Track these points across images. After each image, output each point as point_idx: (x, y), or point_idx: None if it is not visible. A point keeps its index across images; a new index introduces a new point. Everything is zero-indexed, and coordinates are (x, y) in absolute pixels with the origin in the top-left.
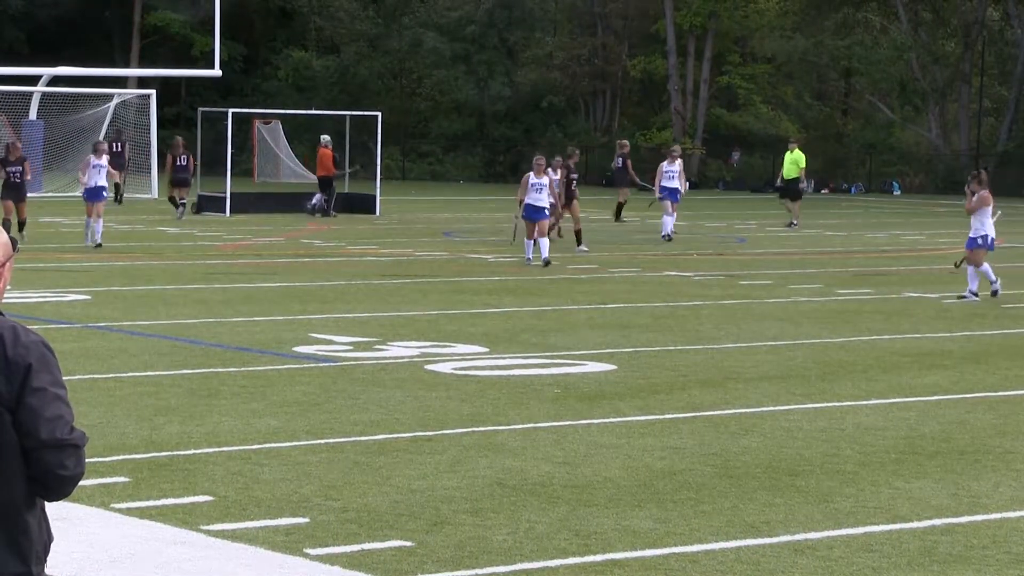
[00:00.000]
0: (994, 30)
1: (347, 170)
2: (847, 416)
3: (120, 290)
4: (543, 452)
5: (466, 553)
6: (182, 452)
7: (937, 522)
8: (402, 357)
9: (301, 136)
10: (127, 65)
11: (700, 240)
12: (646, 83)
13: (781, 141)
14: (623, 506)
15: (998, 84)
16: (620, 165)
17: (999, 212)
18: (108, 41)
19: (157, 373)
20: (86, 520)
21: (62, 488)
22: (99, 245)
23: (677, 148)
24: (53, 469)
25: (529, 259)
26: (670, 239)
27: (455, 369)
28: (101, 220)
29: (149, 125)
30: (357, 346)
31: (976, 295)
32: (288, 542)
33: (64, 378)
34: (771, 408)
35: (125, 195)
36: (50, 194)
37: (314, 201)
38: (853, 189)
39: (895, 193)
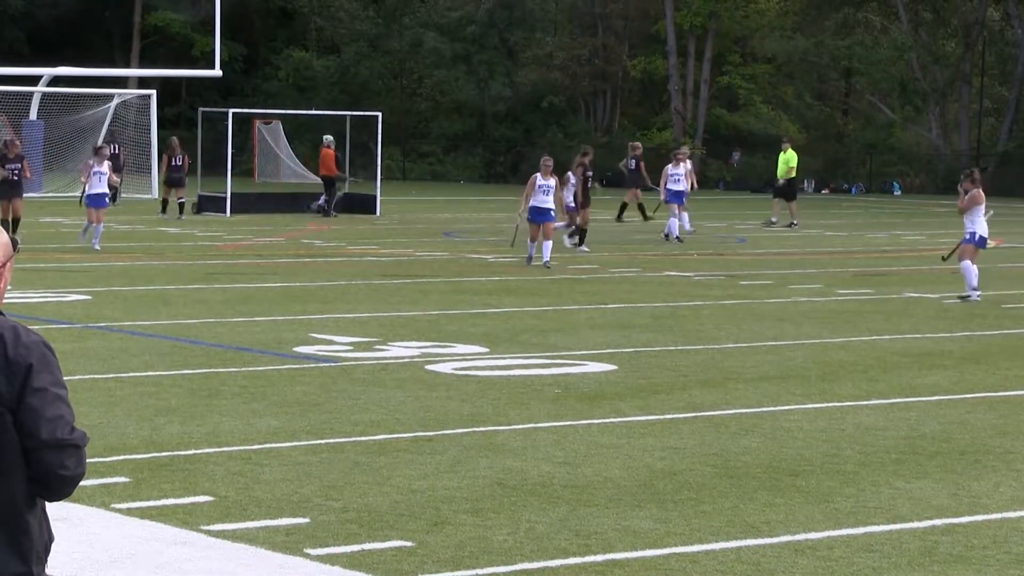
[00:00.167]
0: (994, 30)
1: (347, 177)
2: (847, 416)
3: (120, 290)
4: (543, 452)
5: (466, 553)
6: (182, 452)
7: (937, 522)
8: (402, 357)
9: (302, 136)
10: (127, 65)
11: (700, 240)
12: (646, 83)
13: (781, 141)
14: (623, 506)
15: (998, 84)
16: (633, 167)
17: (991, 211)
18: (108, 41)
19: (157, 373)
20: (86, 520)
21: (63, 488)
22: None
23: (685, 150)
24: (54, 469)
25: (531, 257)
26: (680, 240)
27: (455, 369)
28: (101, 225)
29: (149, 125)
30: (357, 346)
31: (977, 294)
32: (288, 542)
33: (64, 378)
34: (771, 408)
35: (124, 195)
36: (50, 194)
37: (320, 202)
38: (853, 189)
39: (895, 193)
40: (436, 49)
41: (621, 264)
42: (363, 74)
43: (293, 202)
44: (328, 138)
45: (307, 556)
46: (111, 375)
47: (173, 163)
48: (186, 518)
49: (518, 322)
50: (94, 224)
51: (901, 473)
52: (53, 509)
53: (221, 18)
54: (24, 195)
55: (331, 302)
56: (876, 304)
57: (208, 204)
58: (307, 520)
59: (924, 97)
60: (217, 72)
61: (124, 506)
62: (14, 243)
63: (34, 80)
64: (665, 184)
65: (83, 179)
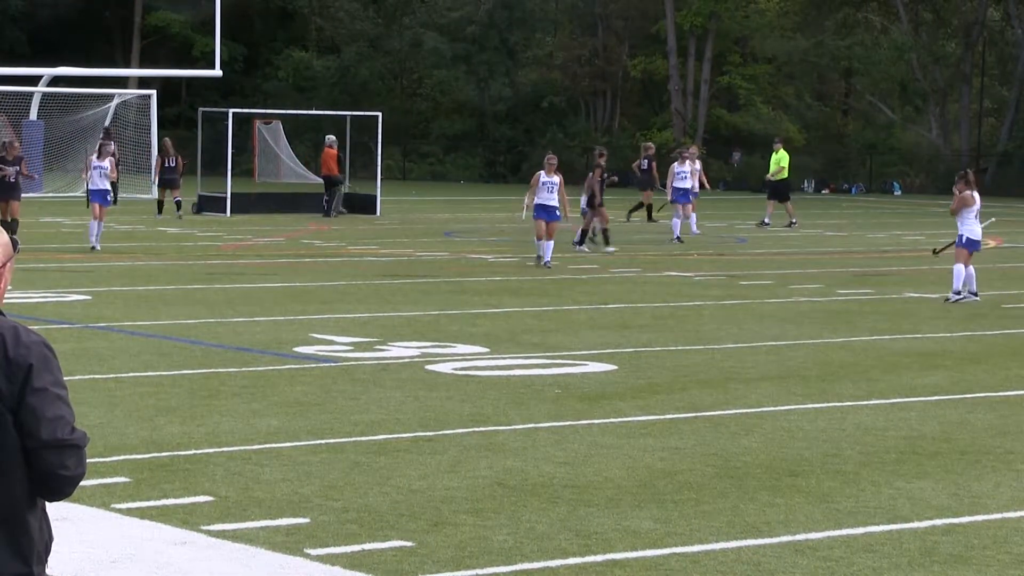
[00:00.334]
0: (995, 30)
1: (342, 180)
2: (847, 416)
3: (121, 290)
4: (544, 452)
5: (466, 553)
6: (183, 452)
7: (938, 522)
8: (403, 357)
9: (302, 136)
10: (127, 65)
11: (700, 240)
12: (647, 83)
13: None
14: (623, 506)
15: (999, 84)
16: (646, 167)
17: (992, 218)
18: (108, 41)
19: (158, 373)
20: (86, 520)
21: (63, 488)
22: (94, 248)
23: (694, 149)
24: (54, 469)
25: (540, 256)
26: (681, 240)
27: (456, 369)
28: (101, 223)
29: (150, 125)
30: (358, 346)
31: (976, 295)
32: (288, 542)
33: (65, 378)
34: (771, 408)
35: (123, 195)
36: (50, 194)
37: (336, 204)
38: (854, 189)
39: (896, 193)
40: (436, 49)
41: (621, 264)
42: (363, 74)
43: (293, 202)
44: (331, 138)
45: (307, 556)
46: (111, 375)
47: (167, 164)
48: (186, 518)
49: (518, 322)
50: (94, 221)
51: (901, 473)
52: (53, 509)
53: (221, 18)
54: (24, 195)
55: (331, 302)
56: (876, 304)
57: (208, 204)
58: (307, 520)
59: (924, 97)
60: (217, 72)
61: (124, 506)
62: (14, 243)
63: (34, 80)
64: (671, 183)
65: (84, 175)
